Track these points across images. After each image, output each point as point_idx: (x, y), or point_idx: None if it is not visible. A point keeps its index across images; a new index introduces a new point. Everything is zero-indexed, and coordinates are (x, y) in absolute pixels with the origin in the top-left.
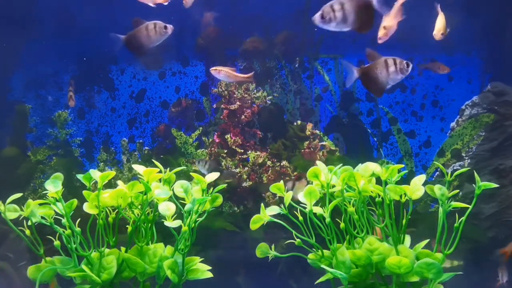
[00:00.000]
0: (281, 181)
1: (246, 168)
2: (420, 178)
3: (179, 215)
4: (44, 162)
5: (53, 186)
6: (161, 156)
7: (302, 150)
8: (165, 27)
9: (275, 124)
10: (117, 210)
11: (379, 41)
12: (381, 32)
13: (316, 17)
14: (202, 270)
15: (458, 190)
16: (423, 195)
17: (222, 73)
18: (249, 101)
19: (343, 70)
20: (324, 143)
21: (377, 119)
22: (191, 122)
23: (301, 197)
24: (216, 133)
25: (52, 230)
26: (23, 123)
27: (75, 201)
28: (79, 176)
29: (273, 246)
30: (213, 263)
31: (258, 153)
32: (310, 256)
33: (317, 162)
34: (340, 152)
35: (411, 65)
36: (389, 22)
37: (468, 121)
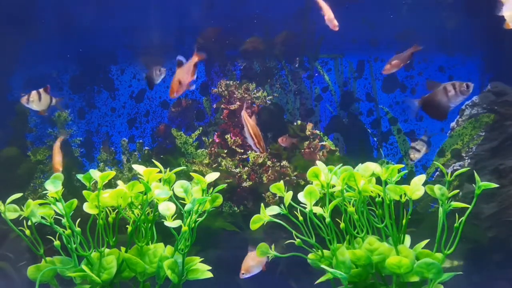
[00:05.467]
0: (281, 181)
1: (246, 168)
2: (420, 178)
3: (179, 215)
4: (44, 162)
5: (53, 186)
6: (161, 156)
7: (302, 150)
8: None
9: (275, 124)
10: (117, 210)
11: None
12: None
13: None
14: (202, 270)
15: (458, 190)
16: (423, 195)
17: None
18: (249, 101)
19: (343, 71)
20: (324, 143)
21: (377, 119)
22: (191, 122)
23: (301, 197)
24: (216, 133)
25: (52, 230)
26: (23, 123)
27: (75, 201)
28: (79, 176)
29: (273, 246)
30: (213, 263)
31: (258, 153)
32: (310, 256)
33: (317, 162)
34: (340, 152)
35: (471, 85)
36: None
37: (468, 121)
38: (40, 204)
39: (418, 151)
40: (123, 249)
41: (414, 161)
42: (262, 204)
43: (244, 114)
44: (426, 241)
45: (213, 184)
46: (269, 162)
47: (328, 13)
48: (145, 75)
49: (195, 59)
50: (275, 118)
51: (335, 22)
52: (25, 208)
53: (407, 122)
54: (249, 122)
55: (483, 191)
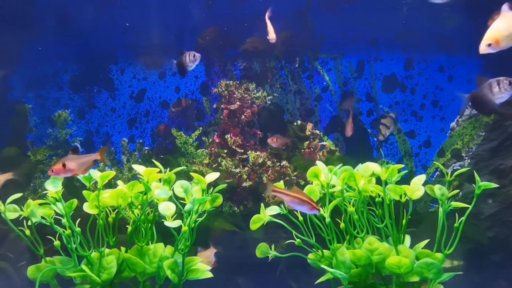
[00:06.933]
0: (281, 181)
1: (246, 168)
2: (420, 178)
3: (179, 215)
4: (44, 162)
5: (53, 186)
6: (161, 156)
7: (302, 150)
8: None
9: (275, 124)
10: (117, 210)
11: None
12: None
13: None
14: (202, 270)
15: (458, 190)
16: (423, 195)
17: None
18: (249, 101)
19: (343, 71)
20: (324, 143)
21: (377, 119)
22: (191, 122)
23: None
24: (216, 133)
25: (52, 230)
26: (23, 123)
27: (75, 201)
28: (79, 176)
29: (273, 246)
30: None
31: (258, 153)
32: (310, 256)
33: (317, 162)
34: (340, 152)
35: None
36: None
37: (468, 121)
38: (40, 204)
39: (388, 127)
40: (123, 249)
41: (385, 136)
42: (262, 204)
43: (275, 190)
44: (426, 241)
45: (213, 184)
46: (269, 162)
47: (270, 32)
48: (175, 61)
49: (97, 156)
50: (275, 118)
51: (272, 36)
52: (25, 208)
53: (407, 122)
54: (290, 193)
55: (483, 191)
